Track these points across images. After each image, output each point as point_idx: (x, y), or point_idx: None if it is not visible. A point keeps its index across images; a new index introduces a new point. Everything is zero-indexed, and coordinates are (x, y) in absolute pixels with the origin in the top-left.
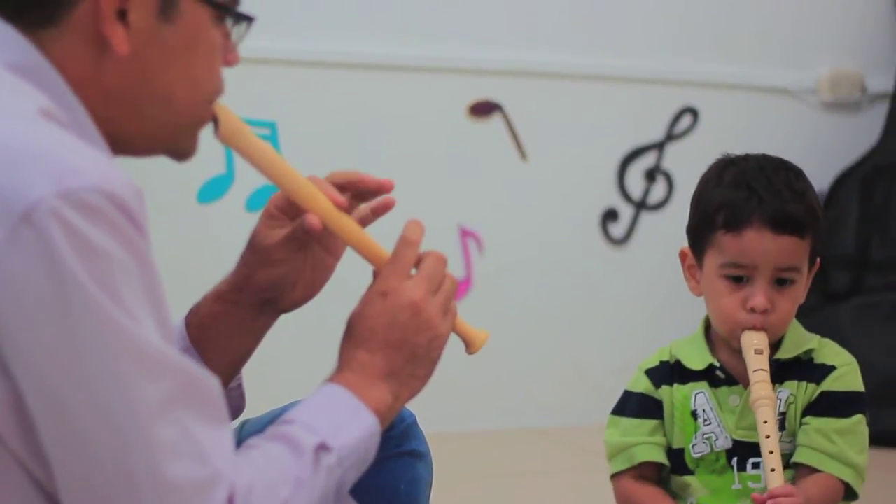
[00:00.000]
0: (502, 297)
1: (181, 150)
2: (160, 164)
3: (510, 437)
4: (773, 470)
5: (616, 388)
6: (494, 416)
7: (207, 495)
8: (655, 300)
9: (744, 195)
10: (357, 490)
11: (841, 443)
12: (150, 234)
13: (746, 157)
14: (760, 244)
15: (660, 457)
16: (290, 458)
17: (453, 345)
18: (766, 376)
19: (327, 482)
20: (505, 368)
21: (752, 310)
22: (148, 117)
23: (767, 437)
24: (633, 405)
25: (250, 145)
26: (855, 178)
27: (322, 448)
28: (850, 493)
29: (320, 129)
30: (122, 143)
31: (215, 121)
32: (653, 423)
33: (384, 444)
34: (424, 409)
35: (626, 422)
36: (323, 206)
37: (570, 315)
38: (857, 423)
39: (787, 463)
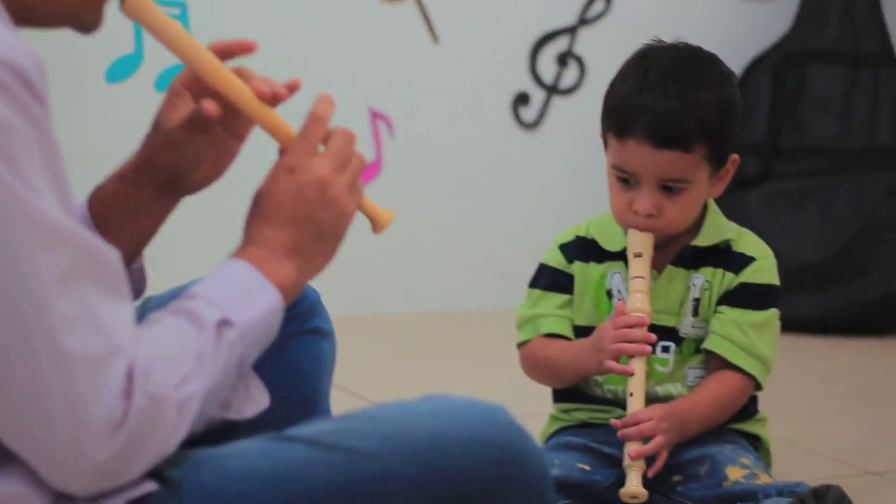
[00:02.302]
0: (412, 179)
1: (86, 21)
2: (68, 43)
3: (419, 321)
4: (631, 394)
5: (526, 272)
6: (403, 300)
7: (107, 368)
8: (566, 184)
9: (632, 103)
10: (260, 367)
11: (753, 336)
12: (51, 107)
13: (662, 52)
14: (640, 156)
15: (565, 330)
16: (192, 332)
17: (363, 228)
18: (643, 285)
19: (229, 357)
20: (414, 252)
21: (637, 212)
22: None
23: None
24: (545, 278)
25: (156, 19)
26: (767, 66)
27: (224, 323)
28: (756, 385)
29: (231, 11)
30: (25, 13)
31: None
32: (563, 297)
33: (288, 321)
34: (332, 291)
35: (538, 294)
36: (230, 83)
37: (481, 198)
38: (772, 317)
39: (698, 348)
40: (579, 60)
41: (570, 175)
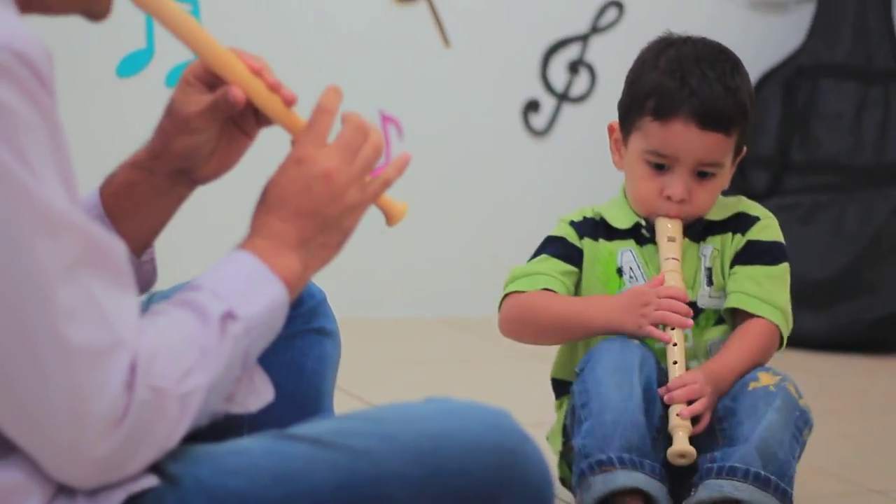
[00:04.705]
0: (421, 184)
1: (95, 9)
2: (80, 37)
3: (424, 325)
4: (675, 363)
5: None
6: (408, 304)
7: (108, 360)
8: (575, 192)
9: (675, 85)
10: (263, 366)
11: (770, 286)
12: (58, 97)
13: (686, 42)
14: (685, 138)
15: (563, 291)
16: (196, 325)
17: (371, 231)
18: (678, 266)
19: (234, 351)
20: (421, 257)
21: (669, 198)
22: None
23: (672, 338)
24: (553, 248)
25: (167, 10)
26: (778, 79)
27: (229, 316)
28: (780, 338)
29: (242, 8)
30: (34, 1)
31: None
32: (567, 266)
33: (292, 320)
34: (338, 293)
35: (542, 257)
36: (241, 76)
37: (489, 205)
38: (785, 271)
39: (717, 320)
40: (590, 68)
41: (580, 184)
